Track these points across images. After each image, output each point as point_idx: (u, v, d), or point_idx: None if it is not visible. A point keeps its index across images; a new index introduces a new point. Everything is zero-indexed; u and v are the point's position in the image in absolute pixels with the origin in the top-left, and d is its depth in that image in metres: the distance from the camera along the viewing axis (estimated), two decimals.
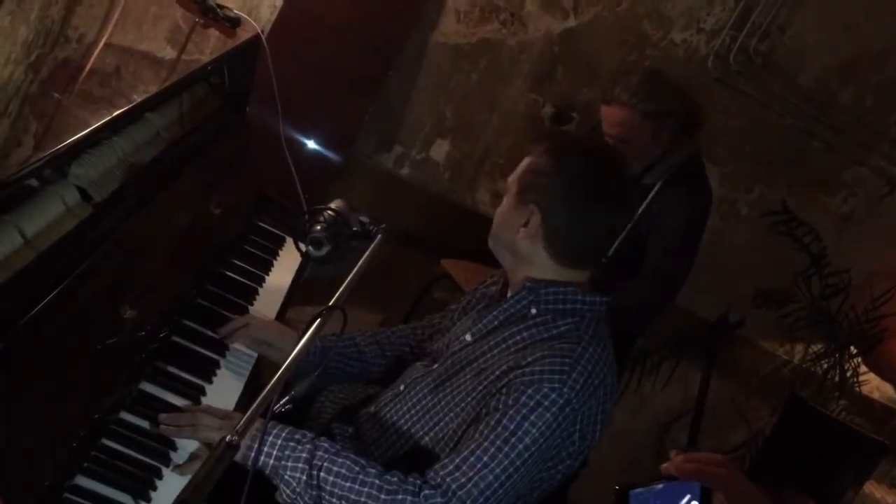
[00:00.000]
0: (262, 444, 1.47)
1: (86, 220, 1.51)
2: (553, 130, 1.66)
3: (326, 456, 1.49)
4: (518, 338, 1.61)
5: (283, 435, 1.49)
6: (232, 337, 1.85)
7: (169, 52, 3.23)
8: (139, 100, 1.80)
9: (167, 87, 1.97)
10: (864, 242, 3.59)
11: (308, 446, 1.49)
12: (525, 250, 1.62)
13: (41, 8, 2.89)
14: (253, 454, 1.44)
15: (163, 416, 1.52)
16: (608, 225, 1.63)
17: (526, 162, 1.63)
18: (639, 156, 2.51)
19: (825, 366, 3.54)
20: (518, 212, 1.61)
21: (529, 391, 1.49)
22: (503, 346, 1.61)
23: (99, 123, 1.56)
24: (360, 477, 1.48)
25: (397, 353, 1.97)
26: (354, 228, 1.71)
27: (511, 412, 1.49)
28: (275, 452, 1.48)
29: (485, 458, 1.47)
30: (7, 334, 1.24)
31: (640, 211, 2.54)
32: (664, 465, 0.94)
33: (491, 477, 1.47)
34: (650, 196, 2.54)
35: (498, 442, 1.47)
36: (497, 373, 1.56)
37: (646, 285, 2.54)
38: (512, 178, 1.65)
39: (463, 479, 1.47)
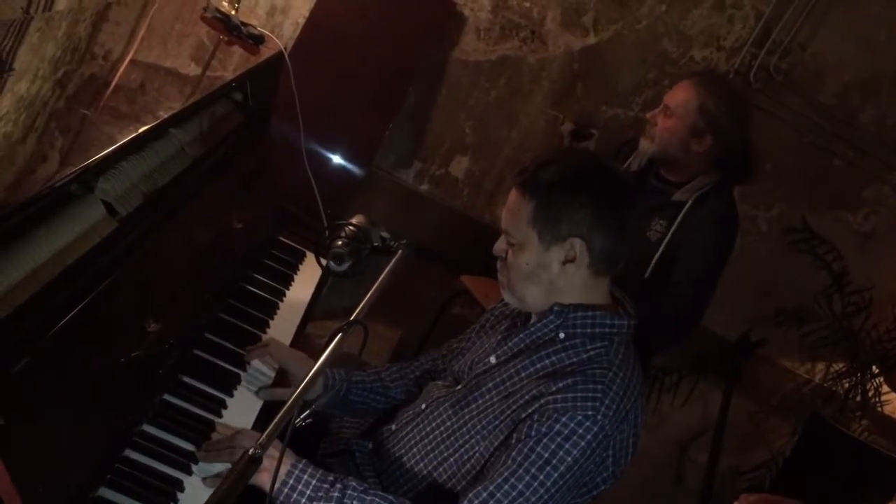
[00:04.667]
0: (297, 482, 1.49)
1: (111, 235, 1.53)
2: (524, 168, 1.63)
3: (356, 495, 1.50)
4: (547, 361, 1.59)
5: (318, 475, 1.51)
6: (253, 354, 1.86)
7: (193, 69, 3.27)
8: (165, 116, 1.83)
9: (192, 103, 1.99)
10: (885, 261, 3.56)
11: (339, 486, 1.50)
12: (567, 281, 1.59)
13: (69, 25, 2.93)
14: (287, 489, 1.48)
15: (203, 447, 1.54)
16: (630, 218, 1.63)
17: (529, 206, 1.56)
18: (663, 141, 2.53)
19: (847, 385, 3.51)
20: (554, 252, 1.57)
21: (564, 419, 1.48)
22: (531, 369, 1.60)
23: (126, 139, 1.59)
24: None
25: (421, 383, 1.96)
26: (375, 244, 1.72)
27: (545, 440, 1.48)
28: (308, 492, 1.49)
29: (520, 487, 1.46)
30: (33, 347, 1.26)
31: (672, 230, 2.53)
32: None
33: None
34: (681, 215, 2.53)
35: (533, 470, 1.47)
36: (527, 397, 1.55)
37: (671, 310, 2.52)
38: (518, 228, 1.59)
39: None
